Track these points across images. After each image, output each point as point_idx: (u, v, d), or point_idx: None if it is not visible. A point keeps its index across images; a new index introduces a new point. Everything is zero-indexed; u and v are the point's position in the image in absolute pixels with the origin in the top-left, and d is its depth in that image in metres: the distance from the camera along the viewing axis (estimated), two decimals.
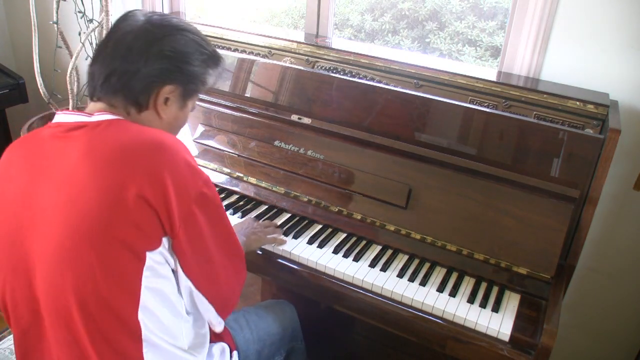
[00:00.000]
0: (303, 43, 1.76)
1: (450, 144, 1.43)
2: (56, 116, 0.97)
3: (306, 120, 1.59)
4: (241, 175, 1.63)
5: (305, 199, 1.54)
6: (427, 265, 1.38)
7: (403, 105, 1.48)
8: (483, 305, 1.25)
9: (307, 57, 1.76)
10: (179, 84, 1.01)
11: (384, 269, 1.35)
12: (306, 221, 1.52)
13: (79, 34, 1.89)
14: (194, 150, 1.71)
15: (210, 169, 1.66)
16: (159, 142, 0.91)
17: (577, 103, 1.42)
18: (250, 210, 1.56)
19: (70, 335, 0.90)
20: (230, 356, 1.17)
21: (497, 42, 2.01)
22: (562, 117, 1.44)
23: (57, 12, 1.83)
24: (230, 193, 1.64)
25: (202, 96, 1.63)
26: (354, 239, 1.46)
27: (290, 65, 1.66)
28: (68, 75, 1.88)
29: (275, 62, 1.70)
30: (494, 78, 1.56)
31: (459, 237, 1.36)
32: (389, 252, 1.42)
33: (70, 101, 1.95)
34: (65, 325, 0.90)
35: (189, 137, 1.71)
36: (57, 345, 0.93)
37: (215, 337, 1.13)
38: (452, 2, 2.08)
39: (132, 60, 0.95)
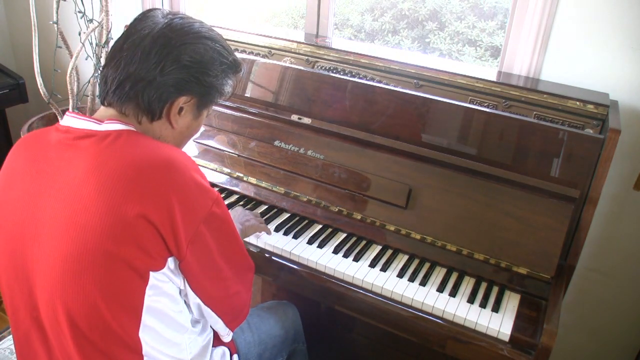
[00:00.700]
0: (303, 43, 1.76)
1: (451, 144, 1.43)
2: (65, 118, 0.94)
3: (306, 120, 1.59)
4: (241, 175, 1.63)
5: (305, 199, 1.54)
6: (427, 265, 1.38)
7: (403, 105, 1.48)
8: (483, 305, 1.25)
9: (307, 57, 1.76)
10: (195, 95, 0.97)
11: (384, 269, 1.35)
12: (306, 221, 1.52)
13: (79, 34, 1.89)
14: (194, 150, 1.71)
15: (210, 169, 1.66)
16: (167, 161, 0.87)
17: (577, 103, 1.42)
18: (250, 210, 1.56)
19: (64, 347, 0.89)
20: (231, 359, 1.17)
21: (497, 42, 2.01)
22: (562, 117, 1.44)
23: (57, 12, 1.83)
24: (230, 193, 1.64)
25: None
26: (354, 239, 1.46)
27: (290, 65, 1.66)
28: (68, 75, 1.88)
29: (275, 62, 1.70)
30: (494, 78, 1.56)
31: (459, 237, 1.36)
32: (389, 252, 1.42)
33: (70, 101, 1.95)
34: (59, 337, 0.89)
35: None
36: (58, 354, 0.92)
37: (216, 341, 1.12)
38: (452, 2, 2.08)
39: (147, 68, 0.91)
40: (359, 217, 1.47)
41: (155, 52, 0.91)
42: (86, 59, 1.93)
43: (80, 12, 1.89)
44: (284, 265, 1.39)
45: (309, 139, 1.56)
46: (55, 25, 1.85)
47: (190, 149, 1.71)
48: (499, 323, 1.20)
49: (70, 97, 1.94)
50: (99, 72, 1.92)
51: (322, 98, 1.57)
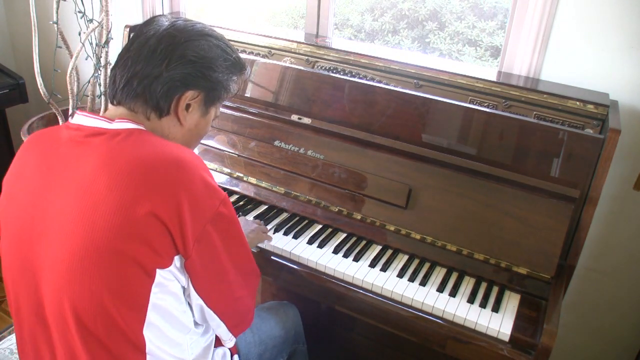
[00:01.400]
0: (303, 43, 1.76)
1: (451, 144, 1.43)
2: (76, 116, 0.95)
3: (306, 120, 1.59)
4: (241, 175, 1.63)
5: (305, 199, 1.54)
6: (427, 265, 1.38)
7: (403, 105, 1.48)
8: (483, 305, 1.25)
9: (307, 57, 1.76)
10: (201, 90, 0.99)
11: (384, 269, 1.35)
12: (306, 221, 1.52)
13: (79, 34, 1.89)
14: (194, 149, 1.70)
15: (210, 169, 1.65)
16: (177, 160, 0.88)
17: (577, 103, 1.42)
18: (251, 210, 1.56)
19: (69, 344, 0.89)
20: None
21: (497, 42, 2.01)
22: (562, 117, 1.44)
23: (57, 12, 1.83)
24: (230, 193, 1.64)
25: None
26: (354, 239, 1.46)
27: (290, 65, 1.66)
28: (68, 75, 1.88)
29: (275, 62, 1.70)
30: (494, 78, 1.56)
31: (459, 237, 1.36)
32: (389, 252, 1.42)
33: (70, 101, 1.95)
34: (64, 334, 0.89)
35: None
36: (62, 351, 0.92)
37: (217, 341, 1.12)
38: (452, 2, 2.08)
39: (154, 64, 0.94)
40: (359, 217, 1.47)
41: (160, 50, 0.94)
42: (86, 59, 1.93)
43: (80, 12, 1.89)
44: (284, 266, 1.39)
45: (309, 139, 1.56)
46: (55, 25, 1.85)
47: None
48: (499, 323, 1.20)
49: (70, 97, 1.94)
50: (99, 72, 1.92)
51: (322, 98, 1.57)
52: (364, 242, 1.45)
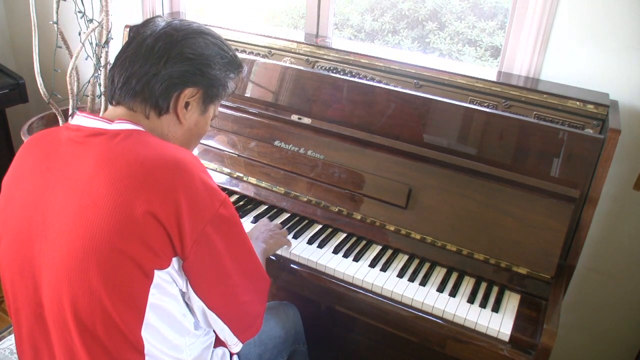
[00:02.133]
0: (303, 43, 1.76)
1: (450, 144, 1.43)
2: (76, 117, 0.95)
3: (306, 120, 1.59)
4: (241, 175, 1.63)
5: (305, 199, 1.54)
6: (427, 265, 1.38)
7: (403, 105, 1.48)
8: (483, 305, 1.25)
9: (307, 57, 1.76)
10: (200, 87, 0.99)
11: (384, 269, 1.35)
12: (306, 221, 1.52)
13: (79, 34, 1.89)
14: (194, 150, 1.70)
15: (211, 169, 1.66)
16: (177, 161, 0.88)
17: (577, 103, 1.42)
18: (250, 210, 1.56)
19: (68, 344, 0.89)
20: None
21: (497, 42, 2.01)
22: (562, 117, 1.44)
23: (57, 12, 1.83)
24: (230, 193, 1.64)
25: None
26: (354, 239, 1.46)
27: (290, 65, 1.66)
28: (68, 75, 1.88)
29: (275, 62, 1.70)
30: (494, 78, 1.56)
31: (459, 237, 1.36)
32: (389, 252, 1.42)
33: (70, 101, 1.95)
34: (63, 334, 0.89)
35: None
36: (60, 351, 0.92)
37: (215, 342, 1.12)
38: (452, 2, 2.08)
39: (152, 62, 0.94)
40: (359, 217, 1.47)
41: (158, 48, 0.95)
42: (86, 59, 1.93)
43: (80, 12, 1.89)
44: (284, 266, 1.39)
45: (309, 139, 1.56)
46: (55, 25, 1.85)
47: None
48: (499, 323, 1.20)
49: (70, 97, 1.94)
50: (99, 72, 1.92)
51: (322, 98, 1.57)
52: (364, 242, 1.45)
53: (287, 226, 1.48)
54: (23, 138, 2.11)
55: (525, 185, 1.33)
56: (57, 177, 0.90)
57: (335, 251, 1.40)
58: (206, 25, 1.05)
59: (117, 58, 0.99)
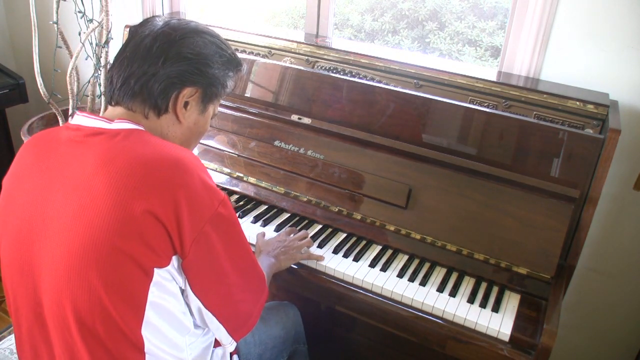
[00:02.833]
0: (303, 43, 1.76)
1: (450, 144, 1.43)
2: (75, 117, 0.96)
3: (306, 120, 1.59)
4: (241, 175, 1.63)
5: (305, 199, 1.54)
6: (427, 265, 1.38)
7: (403, 105, 1.48)
8: (483, 305, 1.25)
9: (307, 57, 1.76)
10: (199, 87, 0.99)
11: (384, 269, 1.35)
12: (306, 221, 1.52)
13: (79, 34, 1.89)
14: (194, 150, 1.70)
15: (211, 169, 1.66)
16: (176, 160, 0.88)
17: (577, 103, 1.42)
18: (250, 210, 1.56)
19: (68, 343, 0.89)
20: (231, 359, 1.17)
21: (497, 42, 2.01)
22: (562, 117, 1.44)
23: (57, 12, 1.83)
24: (230, 193, 1.64)
25: None
26: (354, 239, 1.46)
27: (290, 65, 1.66)
28: (68, 75, 1.88)
29: (275, 62, 1.70)
30: (494, 78, 1.56)
31: (459, 237, 1.36)
32: (389, 252, 1.42)
33: (70, 101, 1.95)
34: (63, 333, 0.89)
35: None
36: (60, 350, 0.92)
37: (216, 342, 1.12)
38: (452, 2, 2.08)
39: (150, 62, 0.94)
40: (359, 217, 1.47)
41: (156, 47, 0.95)
42: (86, 59, 1.93)
43: (80, 12, 1.89)
44: None
45: (309, 139, 1.56)
46: (55, 25, 1.85)
47: None
48: (499, 323, 1.20)
49: (70, 97, 1.94)
50: (99, 72, 1.92)
51: (322, 98, 1.57)
52: (364, 242, 1.45)
53: (286, 226, 1.48)
54: (23, 138, 2.11)
55: (525, 185, 1.33)
56: (57, 176, 0.90)
57: (335, 251, 1.40)
58: (205, 24, 1.04)
59: (116, 58, 0.99)
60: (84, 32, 1.85)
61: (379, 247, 1.44)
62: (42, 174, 0.92)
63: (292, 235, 1.39)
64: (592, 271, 1.75)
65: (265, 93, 1.67)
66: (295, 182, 1.55)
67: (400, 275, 1.33)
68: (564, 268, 1.35)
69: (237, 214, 1.53)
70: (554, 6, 1.51)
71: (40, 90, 1.94)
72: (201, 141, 1.69)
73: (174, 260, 0.89)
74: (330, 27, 1.99)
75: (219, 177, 1.65)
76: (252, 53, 1.85)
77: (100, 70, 1.91)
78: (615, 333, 1.82)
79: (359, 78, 1.65)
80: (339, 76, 1.59)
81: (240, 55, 1.76)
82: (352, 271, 1.33)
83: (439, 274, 1.35)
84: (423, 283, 1.31)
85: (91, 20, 1.89)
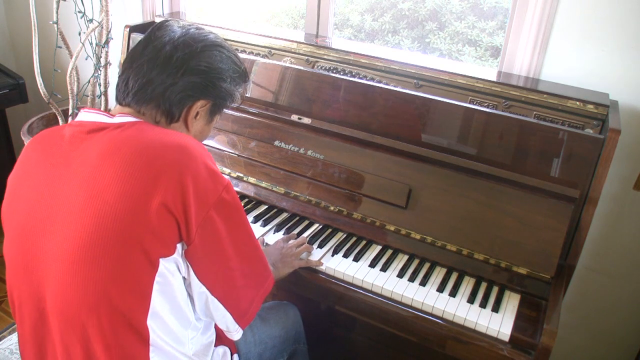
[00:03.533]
0: (303, 43, 1.76)
1: (450, 144, 1.43)
2: (80, 114, 0.97)
3: (306, 120, 1.59)
4: (241, 175, 1.63)
5: (305, 199, 1.54)
6: (427, 265, 1.38)
7: (403, 105, 1.48)
8: (483, 305, 1.25)
9: (307, 57, 1.76)
10: (210, 99, 1.02)
11: (384, 269, 1.35)
12: (306, 221, 1.52)
13: (79, 34, 1.89)
14: None
15: None
16: (182, 146, 0.90)
17: (577, 103, 1.42)
18: (251, 210, 1.56)
19: (78, 335, 0.90)
20: (231, 359, 1.17)
21: (497, 42, 2.01)
22: (562, 117, 1.44)
23: (57, 12, 1.83)
24: None
25: None
26: (353, 239, 1.46)
27: (290, 65, 1.66)
28: (68, 75, 1.88)
29: (275, 62, 1.70)
30: (494, 78, 1.56)
31: (459, 237, 1.36)
32: (389, 252, 1.42)
33: (70, 101, 1.95)
34: (67, 327, 0.90)
35: None
36: (61, 346, 0.92)
37: (216, 341, 1.12)
38: (452, 2, 2.08)
39: (170, 72, 0.96)
40: (358, 217, 1.47)
41: (176, 58, 0.97)
42: (86, 59, 1.93)
43: (80, 12, 1.89)
44: None
45: (309, 139, 1.56)
46: (55, 25, 1.85)
47: None
48: (499, 323, 1.20)
49: (70, 97, 1.94)
50: (99, 72, 1.92)
51: (322, 98, 1.57)
52: (363, 242, 1.45)
53: (287, 226, 1.48)
54: (23, 138, 2.11)
55: (525, 185, 1.33)
56: (62, 172, 0.91)
57: (336, 251, 1.40)
58: (210, 25, 1.06)
59: (132, 59, 0.99)
60: (84, 32, 1.85)
61: (379, 247, 1.44)
62: (47, 171, 0.93)
63: (290, 242, 1.39)
64: (592, 271, 1.75)
65: (265, 93, 1.67)
66: (295, 182, 1.55)
67: (400, 275, 1.33)
68: (564, 268, 1.35)
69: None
70: (554, 6, 1.51)
71: (40, 90, 1.94)
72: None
73: (179, 247, 0.90)
74: (330, 27, 1.99)
75: None
76: (252, 53, 1.85)
77: (100, 70, 1.91)
78: (615, 333, 1.82)
79: (359, 78, 1.65)
80: (339, 76, 1.59)
81: (240, 55, 1.76)
82: (352, 271, 1.34)
83: (439, 274, 1.35)
84: (423, 283, 1.31)
85: (91, 20, 1.89)
